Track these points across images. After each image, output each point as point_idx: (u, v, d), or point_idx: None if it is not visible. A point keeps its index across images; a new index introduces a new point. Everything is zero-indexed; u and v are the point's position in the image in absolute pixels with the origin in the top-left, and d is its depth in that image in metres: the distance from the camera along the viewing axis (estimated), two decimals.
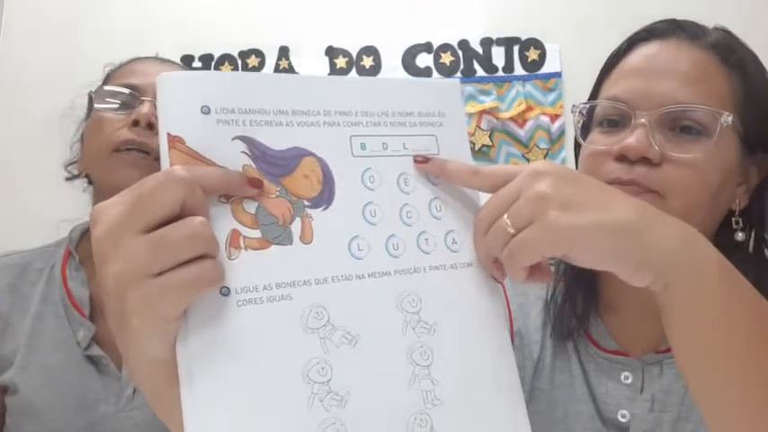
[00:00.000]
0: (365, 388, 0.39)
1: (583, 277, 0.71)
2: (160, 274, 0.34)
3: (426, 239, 0.44)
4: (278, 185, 0.40)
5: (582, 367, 0.70)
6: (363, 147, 0.43)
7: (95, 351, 0.83)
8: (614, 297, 0.71)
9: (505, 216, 0.42)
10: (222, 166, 0.38)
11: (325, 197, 0.41)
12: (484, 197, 0.47)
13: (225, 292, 0.37)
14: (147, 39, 1.63)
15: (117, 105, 0.87)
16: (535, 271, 0.44)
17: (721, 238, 0.65)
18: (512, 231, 0.41)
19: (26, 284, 0.87)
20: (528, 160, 1.64)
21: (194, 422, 0.35)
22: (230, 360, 0.36)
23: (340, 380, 0.38)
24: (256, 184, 0.39)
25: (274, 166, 0.40)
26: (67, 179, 0.97)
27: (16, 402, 0.81)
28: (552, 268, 0.72)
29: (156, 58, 0.96)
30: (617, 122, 0.65)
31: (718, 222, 0.65)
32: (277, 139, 0.41)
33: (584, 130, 0.70)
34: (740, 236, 0.64)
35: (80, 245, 0.92)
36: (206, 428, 0.35)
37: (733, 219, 0.65)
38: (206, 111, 0.39)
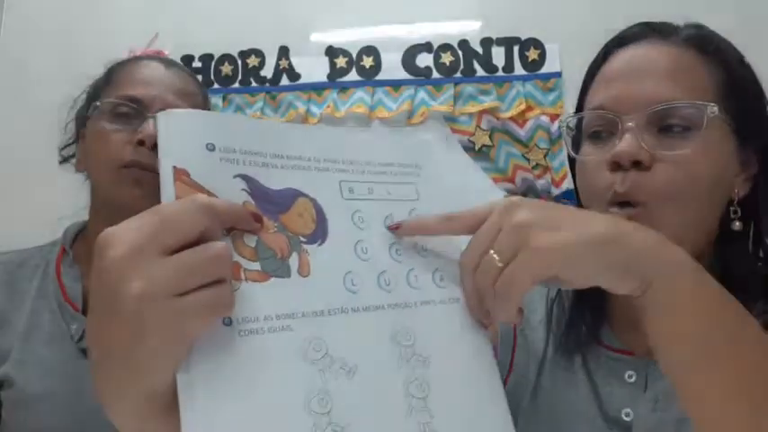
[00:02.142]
0: (364, 420, 0.40)
1: (587, 295, 0.71)
2: (182, 295, 0.35)
3: (416, 276, 0.46)
4: (276, 222, 0.42)
5: (586, 365, 0.70)
6: (351, 191, 0.46)
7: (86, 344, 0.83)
8: (620, 299, 0.70)
9: (491, 251, 0.43)
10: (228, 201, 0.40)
11: (319, 234, 0.43)
12: (464, 202, 0.48)
13: (227, 321, 0.37)
14: (148, 39, 1.63)
15: (119, 119, 0.86)
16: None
17: (723, 229, 0.65)
18: (500, 265, 0.42)
19: (22, 281, 0.89)
20: (528, 160, 1.64)
21: None
22: (233, 388, 0.36)
23: (340, 411, 0.39)
24: (259, 219, 0.41)
25: (271, 203, 0.42)
26: (61, 162, 0.96)
27: (12, 395, 0.82)
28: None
29: (161, 61, 0.94)
30: (604, 132, 0.65)
31: (719, 213, 0.65)
32: (273, 180, 0.43)
33: (576, 144, 0.70)
34: (737, 225, 0.65)
35: (74, 243, 0.93)
36: None
37: (731, 208, 0.65)
38: (211, 148, 0.40)
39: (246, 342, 0.37)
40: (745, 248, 0.66)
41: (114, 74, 0.92)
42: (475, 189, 0.58)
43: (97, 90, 0.92)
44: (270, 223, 0.41)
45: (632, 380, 0.67)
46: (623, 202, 0.62)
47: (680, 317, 0.45)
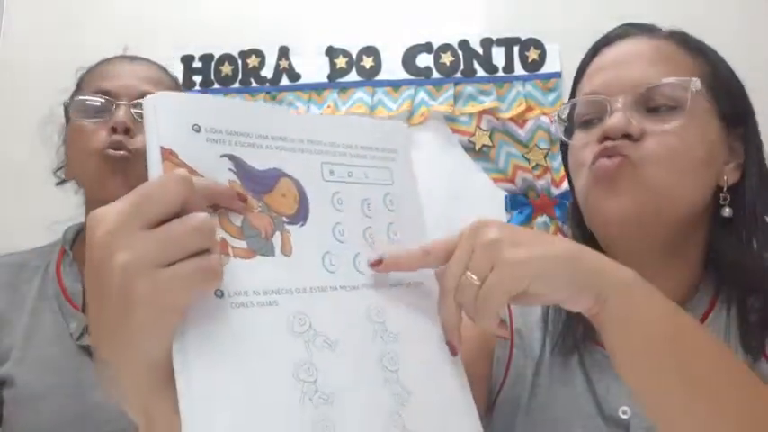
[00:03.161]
0: (346, 389, 0.42)
1: None
2: (168, 266, 0.36)
3: None
4: (260, 201, 0.43)
5: (582, 364, 0.70)
6: (332, 173, 0.48)
7: (88, 340, 0.85)
8: None
9: (468, 272, 0.46)
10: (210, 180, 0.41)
11: (301, 215, 0.45)
12: (465, 202, 0.53)
13: (219, 294, 0.39)
14: (147, 39, 1.63)
15: (93, 113, 0.89)
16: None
17: (711, 217, 0.68)
18: (477, 283, 0.46)
19: (23, 282, 0.90)
20: (528, 160, 1.64)
21: (192, 413, 0.36)
22: (226, 357, 0.38)
23: (325, 380, 0.41)
24: (243, 198, 0.42)
25: (256, 183, 0.44)
26: (57, 184, 1.00)
27: (13, 394, 0.83)
28: None
29: (125, 57, 0.98)
30: (595, 119, 0.68)
31: (706, 200, 0.67)
32: (258, 160, 0.44)
33: (568, 134, 0.73)
34: (727, 211, 0.67)
35: (74, 244, 0.95)
36: (204, 420, 0.36)
37: (721, 195, 0.68)
38: (197, 129, 0.42)
39: (238, 314, 0.39)
40: (737, 238, 0.68)
41: (83, 79, 0.96)
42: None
43: (73, 92, 0.94)
44: (254, 203, 0.43)
45: None
46: (604, 157, 0.65)
47: (634, 330, 0.49)
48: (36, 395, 0.82)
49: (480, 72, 1.69)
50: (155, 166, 0.39)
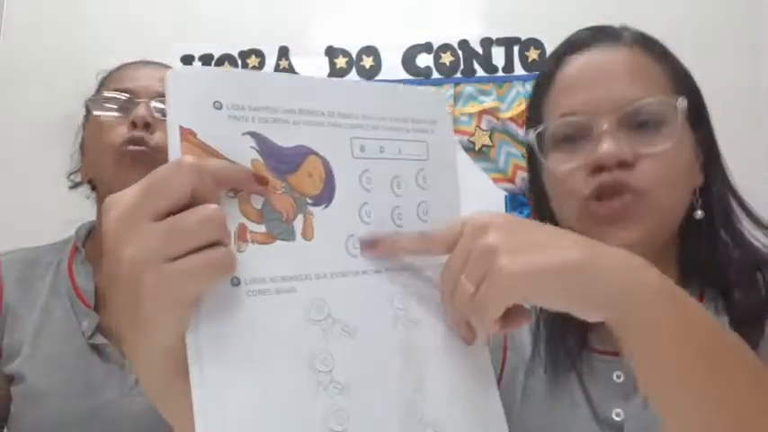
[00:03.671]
0: (363, 378, 0.41)
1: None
2: (175, 259, 0.35)
3: None
4: (283, 182, 0.41)
5: (574, 368, 0.70)
6: (363, 149, 0.45)
7: (99, 340, 0.86)
8: None
9: (463, 276, 0.43)
10: (232, 160, 0.39)
11: (326, 196, 0.43)
12: (465, 202, 0.49)
13: (235, 282, 0.38)
14: (148, 39, 1.63)
15: (113, 109, 0.90)
16: (512, 316, 0.44)
17: (683, 218, 0.68)
18: (472, 290, 0.42)
19: (35, 278, 0.91)
20: None
21: (203, 405, 0.36)
22: (240, 347, 0.37)
23: (341, 369, 0.40)
24: (263, 180, 0.40)
25: (281, 162, 0.41)
26: (71, 188, 1.00)
27: (22, 390, 0.83)
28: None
29: (145, 62, 0.99)
30: (575, 138, 0.65)
31: (688, 201, 0.67)
32: (284, 137, 0.42)
33: (536, 157, 0.70)
34: (699, 213, 0.67)
35: (86, 242, 0.95)
36: (215, 412, 0.36)
37: (693, 197, 0.67)
38: (218, 106, 0.39)
39: (254, 302, 0.38)
40: (708, 237, 0.68)
41: (103, 81, 0.97)
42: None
43: (92, 97, 0.96)
44: (277, 183, 0.41)
45: (620, 380, 0.67)
46: (607, 195, 0.63)
47: (656, 344, 0.44)
48: (45, 392, 0.83)
49: (480, 72, 1.69)
50: (174, 147, 0.38)
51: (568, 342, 0.71)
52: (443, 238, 0.45)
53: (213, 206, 0.36)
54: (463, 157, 1.67)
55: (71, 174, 1.00)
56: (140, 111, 0.88)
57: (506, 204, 1.64)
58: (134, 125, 0.88)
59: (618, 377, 0.67)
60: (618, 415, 0.66)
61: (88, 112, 0.95)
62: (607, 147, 0.61)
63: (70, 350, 0.85)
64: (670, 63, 0.69)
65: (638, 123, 0.63)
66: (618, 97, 0.64)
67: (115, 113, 0.90)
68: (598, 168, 0.63)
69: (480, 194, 1.64)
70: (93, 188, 0.97)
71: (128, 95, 0.91)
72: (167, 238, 0.35)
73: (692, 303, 0.46)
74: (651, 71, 0.67)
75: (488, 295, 0.42)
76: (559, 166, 0.67)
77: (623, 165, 0.62)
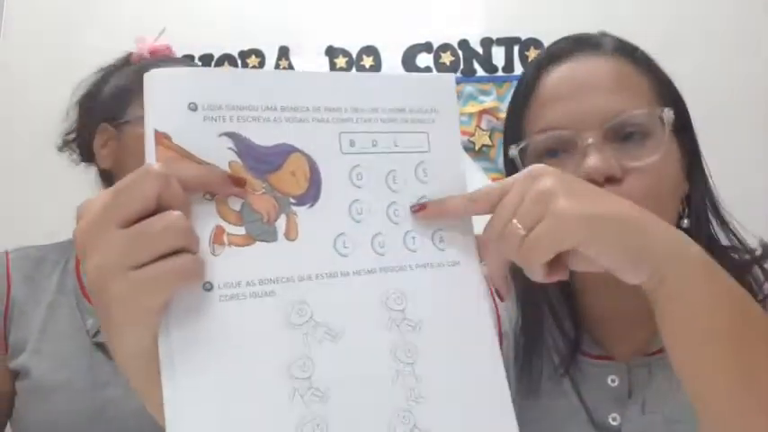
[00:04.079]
0: (347, 384, 0.39)
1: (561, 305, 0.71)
2: (141, 267, 0.35)
3: (413, 237, 0.44)
4: (264, 182, 0.40)
5: (569, 377, 0.70)
6: (352, 144, 0.43)
7: (103, 338, 0.86)
8: (600, 308, 0.70)
9: (514, 220, 0.42)
10: (207, 163, 0.38)
11: (311, 194, 0.41)
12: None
13: (207, 287, 0.37)
14: (147, 39, 1.62)
15: None
16: (554, 268, 0.44)
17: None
18: (523, 233, 0.41)
19: (41, 276, 0.91)
20: None
21: (175, 415, 0.35)
22: (212, 355, 0.36)
23: (321, 376, 0.39)
24: (239, 182, 0.39)
25: (261, 162, 0.40)
26: (60, 149, 0.96)
27: (27, 385, 0.84)
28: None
29: (180, 59, 0.97)
30: (558, 152, 0.64)
31: (678, 212, 0.66)
32: (264, 136, 0.40)
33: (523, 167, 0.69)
34: (685, 222, 0.66)
35: None
36: (186, 422, 0.35)
37: (681, 205, 0.66)
38: (193, 107, 0.39)
39: (227, 307, 0.37)
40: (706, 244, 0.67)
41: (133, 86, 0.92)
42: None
43: (127, 94, 0.91)
44: (257, 183, 0.40)
45: (615, 384, 0.67)
46: None
47: (690, 311, 0.44)
48: (50, 388, 0.83)
49: (480, 72, 1.69)
50: (149, 151, 0.37)
51: (561, 347, 0.70)
52: (489, 193, 0.44)
53: (176, 213, 0.36)
54: (463, 157, 1.67)
55: (67, 134, 0.96)
56: None
57: None
58: None
59: (612, 381, 0.67)
60: (614, 419, 0.66)
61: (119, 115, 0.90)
62: (594, 162, 0.59)
63: (75, 347, 0.85)
64: (653, 71, 0.67)
65: (623, 136, 0.62)
66: (602, 110, 0.62)
67: None
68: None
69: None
70: (102, 174, 0.94)
71: None
72: (131, 246, 0.35)
73: (730, 281, 0.46)
74: (634, 80, 0.65)
75: (542, 237, 0.41)
76: None
77: (611, 180, 0.60)
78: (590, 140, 0.61)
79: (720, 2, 1.57)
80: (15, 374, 0.85)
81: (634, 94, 0.64)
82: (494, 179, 1.66)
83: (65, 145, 0.97)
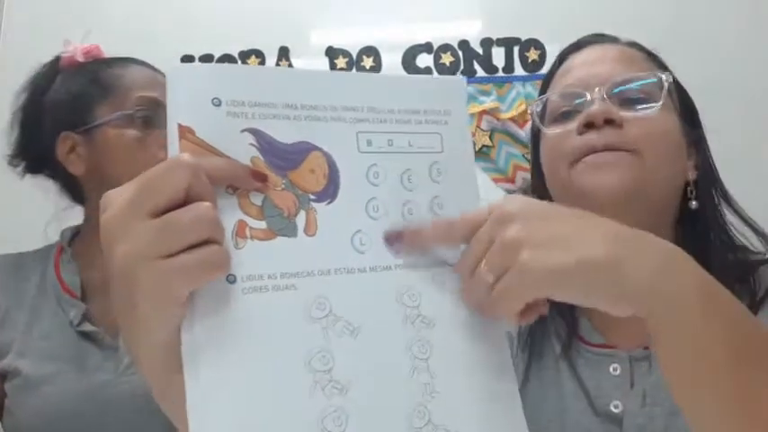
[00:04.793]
0: (366, 378, 0.40)
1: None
2: (168, 257, 0.35)
3: None
4: (284, 179, 0.41)
5: (570, 363, 0.70)
6: (369, 143, 0.44)
7: (88, 327, 0.88)
8: None
9: (483, 263, 0.42)
10: (230, 157, 0.39)
11: (330, 192, 0.42)
12: (484, 195, 0.48)
13: (231, 279, 0.38)
14: (147, 39, 1.62)
15: (144, 126, 0.91)
16: (529, 308, 0.43)
17: (677, 211, 0.72)
18: (490, 280, 0.41)
19: (21, 280, 0.92)
20: (528, 160, 1.64)
21: (197, 404, 0.35)
22: (234, 346, 0.37)
23: (341, 369, 0.39)
24: (261, 177, 0.40)
25: (281, 159, 0.41)
26: (10, 162, 0.97)
27: (17, 383, 0.85)
28: None
29: (130, 60, 0.97)
30: (570, 113, 0.71)
31: (678, 190, 0.71)
32: (285, 133, 0.41)
33: (538, 131, 0.77)
34: (694, 204, 0.70)
35: (72, 242, 0.96)
36: (208, 411, 0.35)
37: (688, 188, 0.71)
38: (216, 103, 0.39)
39: (249, 300, 0.38)
40: (700, 233, 0.71)
41: (114, 80, 0.94)
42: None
43: (88, 98, 0.92)
44: (278, 180, 0.40)
45: (617, 372, 0.68)
46: (599, 152, 0.66)
47: (684, 347, 0.42)
48: (40, 380, 0.84)
49: (480, 72, 1.69)
50: (172, 145, 0.38)
51: (560, 334, 0.72)
52: (468, 224, 0.44)
53: (206, 204, 0.36)
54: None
55: (14, 147, 0.96)
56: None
57: None
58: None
59: (614, 370, 0.68)
60: (616, 407, 0.66)
61: (98, 120, 0.92)
62: (596, 106, 0.67)
63: (61, 341, 0.86)
64: (659, 62, 0.75)
65: (626, 97, 0.68)
66: (610, 73, 0.69)
67: (148, 132, 0.90)
68: (587, 126, 0.66)
69: (480, 194, 1.64)
70: (66, 181, 0.95)
71: (155, 109, 0.91)
72: (160, 236, 0.35)
73: (726, 300, 0.44)
74: (644, 64, 0.73)
75: (509, 290, 0.41)
76: (554, 133, 0.72)
77: (610, 123, 0.66)
78: (595, 93, 0.68)
79: (720, 2, 1.58)
80: (3, 377, 0.86)
81: (639, 67, 0.71)
82: (494, 179, 1.66)
83: (14, 158, 0.97)
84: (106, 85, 0.93)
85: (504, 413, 0.44)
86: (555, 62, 0.79)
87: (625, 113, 0.67)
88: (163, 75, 0.96)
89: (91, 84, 0.94)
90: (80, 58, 0.97)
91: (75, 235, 0.98)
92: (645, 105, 0.68)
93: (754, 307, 0.65)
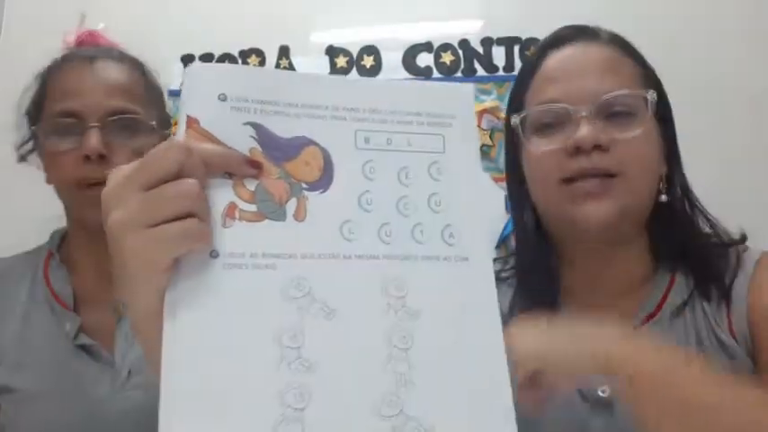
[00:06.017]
0: (336, 360, 0.41)
1: (540, 267, 0.79)
2: (154, 226, 0.39)
3: (422, 231, 0.46)
4: (280, 168, 0.44)
5: None
6: (367, 141, 0.46)
7: (84, 340, 0.85)
8: (585, 278, 0.78)
9: None
10: (228, 146, 0.43)
11: (323, 182, 0.45)
12: (485, 195, 0.49)
13: (214, 255, 0.41)
14: (147, 39, 1.62)
15: (65, 137, 0.85)
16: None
17: (654, 209, 0.76)
18: None
19: (9, 288, 0.89)
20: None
21: (170, 362, 0.39)
22: (209, 314, 0.40)
23: (311, 348, 0.41)
24: (256, 165, 0.43)
25: (278, 150, 0.44)
26: (19, 161, 0.96)
27: (13, 398, 0.82)
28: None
29: (87, 59, 0.92)
30: (553, 125, 0.73)
31: (655, 191, 0.75)
32: (284, 128, 0.45)
33: (517, 140, 0.78)
34: (663, 197, 0.75)
35: (61, 246, 0.94)
36: (180, 370, 0.38)
37: (660, 183, 0.75)
38: (222, 98, 0.43)
39: (229, 275, 0.41)
40: (676, 219, 0.76)
41: (48, 83, 0.92)
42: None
43: (37, 102, 0.91)
44: (274, 169, 0.44)
45: None
46: (585, 177, 0.69)
47: (653, 414, 0.52)
48: (36, 396, 0.82)
49: (480, 71, 1.69)
50: (180, 133, 0.42)
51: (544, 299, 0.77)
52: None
53: (191, 180, 0.40)
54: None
55: (20, 146, 0.95)
56: (92, 141, 0.82)
57: (506, 204, 1.64)
58: (87, 158, 0.82)
59: None
60: (603, 392, 0.68)
61: (35, 137, 0.89)
62: (585, 131, 0.68)
63: (57, 354, 0.84)
64: (640, 60, 0.77)
65: (612, 113, 0.70)
66: (594, 89, 0.71)
67: (65, 142, 0.84)
68: (576, 150, 0.69)
69: (482, 192, 1.64)
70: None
71: (75, 120, 0.84)
72: (148, 206, 0.39)
73: (690, 383, 0.54)
74: (624, 66, 0.74)
75: None
76: (539, 148, 0.73)
77: (598, 148, 0.68)
78: (582, 113, 0.69)
79: (722, 2, 1.57)
80: None
81: (623, 77, 0.73)
82: (494, 179, 1.66)
83: (23, 158, 0.96)
84: (43, 92, 0.92)
85: (491, 417, 0.43)
86: (533, 56, 0.79)
87: (611, 136, 0.69)
88: (112, 62, 0.93)
89: (40, 87, 0.93)
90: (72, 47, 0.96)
91: (63, 238, 0.96)
92: (629, 126, 0.70)
93: (724, 289, 0.71)
